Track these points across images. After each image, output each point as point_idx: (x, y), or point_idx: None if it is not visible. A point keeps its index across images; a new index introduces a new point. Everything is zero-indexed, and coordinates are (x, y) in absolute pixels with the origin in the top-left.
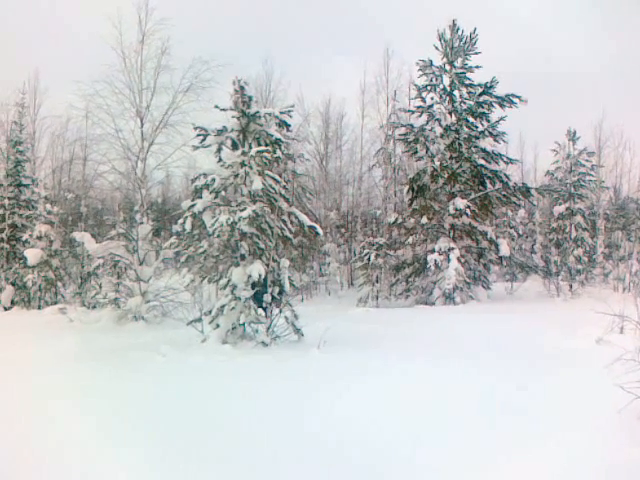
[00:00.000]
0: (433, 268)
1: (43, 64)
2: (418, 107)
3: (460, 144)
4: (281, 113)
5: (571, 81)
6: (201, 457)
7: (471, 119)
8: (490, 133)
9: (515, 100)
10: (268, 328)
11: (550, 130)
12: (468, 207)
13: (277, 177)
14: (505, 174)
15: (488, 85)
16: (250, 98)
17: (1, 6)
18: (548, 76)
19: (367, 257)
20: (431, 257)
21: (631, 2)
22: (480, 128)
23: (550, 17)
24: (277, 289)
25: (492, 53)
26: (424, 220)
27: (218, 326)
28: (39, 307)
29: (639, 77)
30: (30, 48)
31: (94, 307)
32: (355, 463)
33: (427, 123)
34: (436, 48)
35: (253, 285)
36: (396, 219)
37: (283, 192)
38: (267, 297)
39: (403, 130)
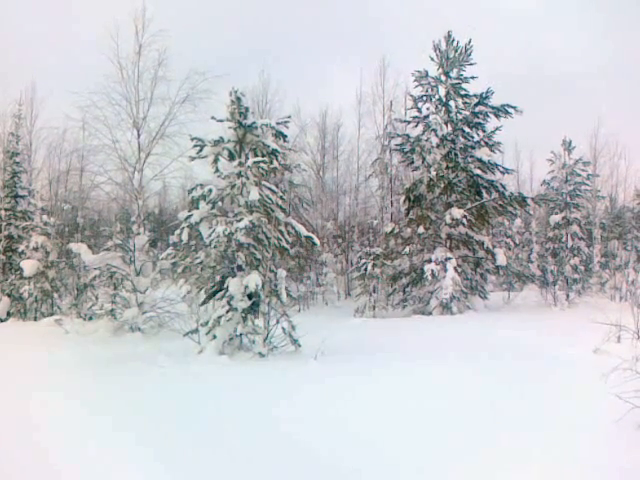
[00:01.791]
0: (430, 278)
1: (40, 75)
2: (414, 117)
3: (456, 154)
4: (278, 124)
5: (566, 89)
6: (198, 461)
7: (467, 129)
8: (486, 143)
9: (510, 110)
10: (265, 339)
11: (546, 139)
12: (464, 217)
13: (274, 188)
14: (501, 184)
15: (483, 95)
16: (247, 109)
17: None
18: (543, 81)
19: (364, 267)
20: (428, 267)
21: (625, 11)
22: (476, 138)
23: (545, 25)
24: (274, 299)
25: (487, 59)
26: (421, 230)
27: (215, 337)
28: (35, 318)
29: (633, 86)
30: (27, 59)
31: (90, 318)
32: (348, 470)
33: (423, 133)
34: (432, 59)
35: (250, 296)
36: (393, 229)
37: (280, 202)
38: (264, 308)
39: (399, 140)
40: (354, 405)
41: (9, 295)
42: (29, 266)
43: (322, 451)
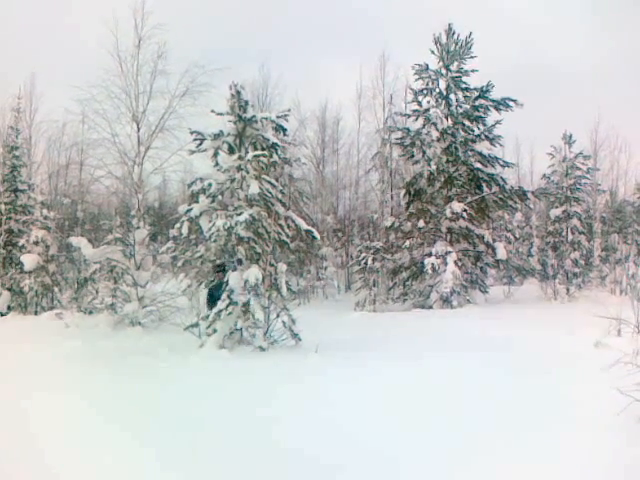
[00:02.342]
0: (430, 272)
1: (39, 69)
2: (414, 111)
3: (456, 148)
4: (277, 117)
5: (566, 82)
6: (199, 457)
7: (467, 123)
8: (486, 137)
9: (511, 104)
10: (265, 333)
11: (546, 133)
12: (465, 210)
13: (274, 181)
14: (502, 177)
15: (484, 89)
16: (246, 102)
17: None
18: (543, 77)
19: (364, 261)
20: (428, 261)
21: (627, 4)
22: (476, 132)
23: (546, 19)
24: (274, 293)
25: (487, 53)
26: (421, 224)
27: (215, 331)
28: (36, 312)
29: (634, 79)
30: (26, 53)
31: (91, 312)
32: (352, 465)
33: (423, 127)
34: (432, 52)
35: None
36: (393, 223)
37: (280, 196)
38: (264, 301)
39: (399, 134)
40: (355, 403)
41: (9, 289)
42: (29, 260)
43: (322, 455)
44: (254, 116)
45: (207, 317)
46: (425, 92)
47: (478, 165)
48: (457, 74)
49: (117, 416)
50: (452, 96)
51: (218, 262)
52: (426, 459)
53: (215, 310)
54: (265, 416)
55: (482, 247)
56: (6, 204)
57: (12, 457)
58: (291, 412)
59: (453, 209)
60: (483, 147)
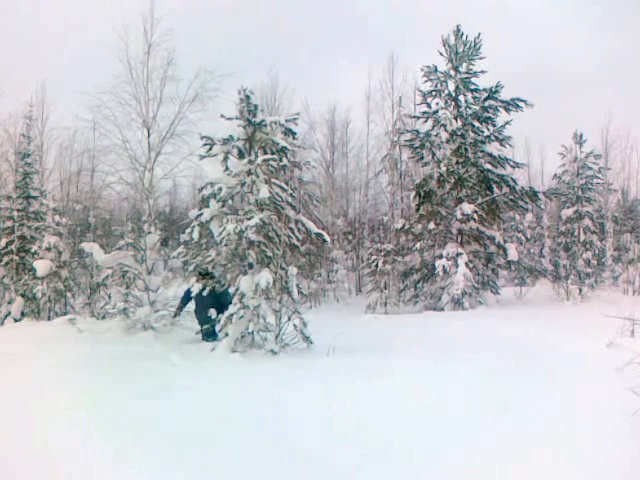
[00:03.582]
0: (441, 274)
1: (50, 76)
2: (423, 113)
3: (466, 149)
4: (287, 121)
5: (576, 82)
6: (200, 457)
7: (477, 124)
8: (496, 137)
9: (521, 104)
10: (277, 336)
11: (556, 133)
12: (475, 212)
13: (284, 185)
14: (512, 178)
15: (493, 90)
16: (256, 107)
17: (8, 19)
18: (552, 76)
19: (375, 263)
20: (439, 263)
21: (633, 2)
22: (486, 133)
23: (554, 17)
24: (285, 297)
25: (496, 54)
26: (431, 226)
27: (227, 335)
28: (49, 318)
29: None
30: (37, 60)
31: (103, 317)
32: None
33: (433, 129)
34: (440, 54)
35: None
36: (403, 225)
37: (290, 200)
38: (275, 305)
39: (409, 136)
40: (366, 405)
41: (23, 295)
42: (42, 266)
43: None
44: (263, 120)
45: (219, 321)
46: (434, 94)
47: (488, 166)
48: (466, 75)
49: (118, 417)
50: (461, 97)
51: (202, 270)
52: (425, 461)
53: (227, 313)
54: (271, 417)
55: (493, 248)
56: (19, 211)
57: (10, 456)
58: (295, 413)
59: (463, 210)
60: (493, 148)
